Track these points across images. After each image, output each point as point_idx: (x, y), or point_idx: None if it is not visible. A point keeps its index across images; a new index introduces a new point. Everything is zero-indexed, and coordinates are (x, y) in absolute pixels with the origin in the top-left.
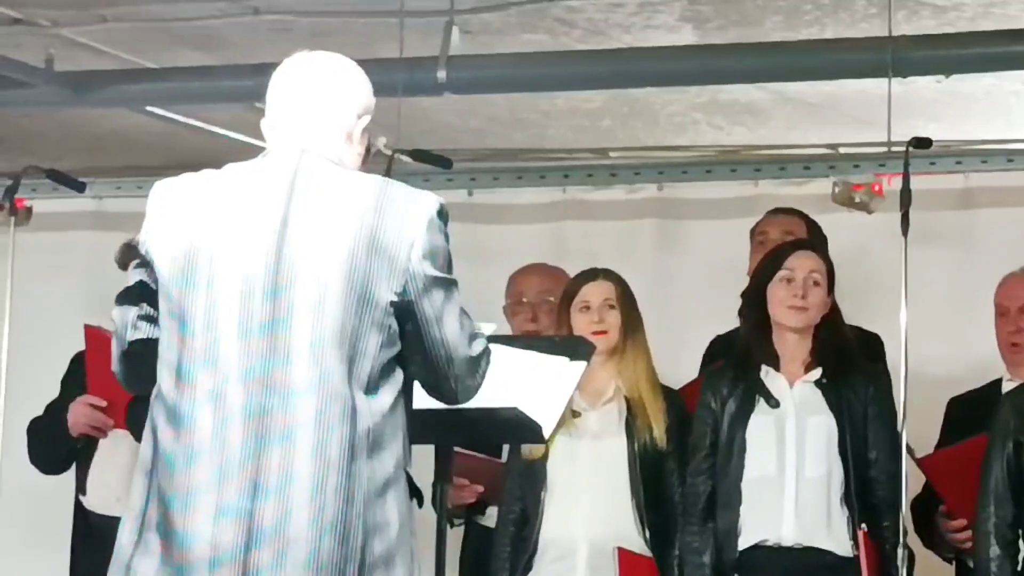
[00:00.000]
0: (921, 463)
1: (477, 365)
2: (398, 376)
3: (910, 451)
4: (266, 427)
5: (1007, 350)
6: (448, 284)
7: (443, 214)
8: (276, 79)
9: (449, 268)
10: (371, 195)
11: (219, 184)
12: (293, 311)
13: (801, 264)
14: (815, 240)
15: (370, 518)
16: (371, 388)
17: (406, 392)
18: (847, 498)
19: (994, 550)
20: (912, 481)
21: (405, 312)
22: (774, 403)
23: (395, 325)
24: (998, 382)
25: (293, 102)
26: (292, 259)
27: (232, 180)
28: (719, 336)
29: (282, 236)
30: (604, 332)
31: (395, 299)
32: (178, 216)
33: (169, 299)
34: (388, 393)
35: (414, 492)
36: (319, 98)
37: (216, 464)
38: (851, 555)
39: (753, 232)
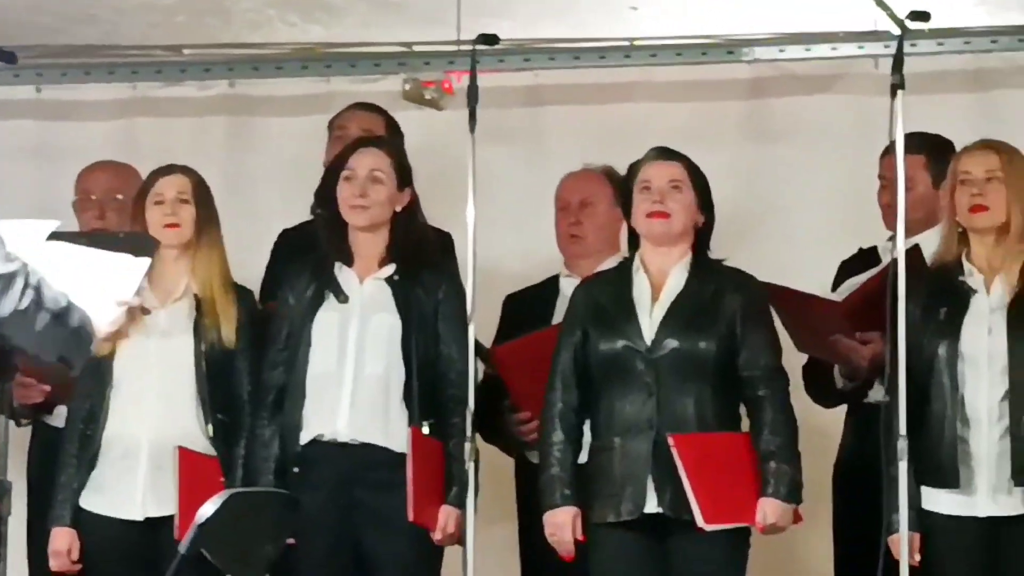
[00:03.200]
0: (491, 352)
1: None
2: None
3: (480, 346)
4: None
5: (566, 243)
6: None
7: None
8: None
9: None
10: None
11: None
12: None
13: (361, 163)
14: (385, 136)
15: None
16: None
17: None
18: (408, 398)
19: (557, 435)
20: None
21: None
22: (343, 299)
23: None
24: (555, 279)
25: None
26: None
27: None
28: (286, 230)
29: None
30: (176, 225)
31: None
32: None
33: None
34: None
35: None
36: None
37: None
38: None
39: (331, 125)
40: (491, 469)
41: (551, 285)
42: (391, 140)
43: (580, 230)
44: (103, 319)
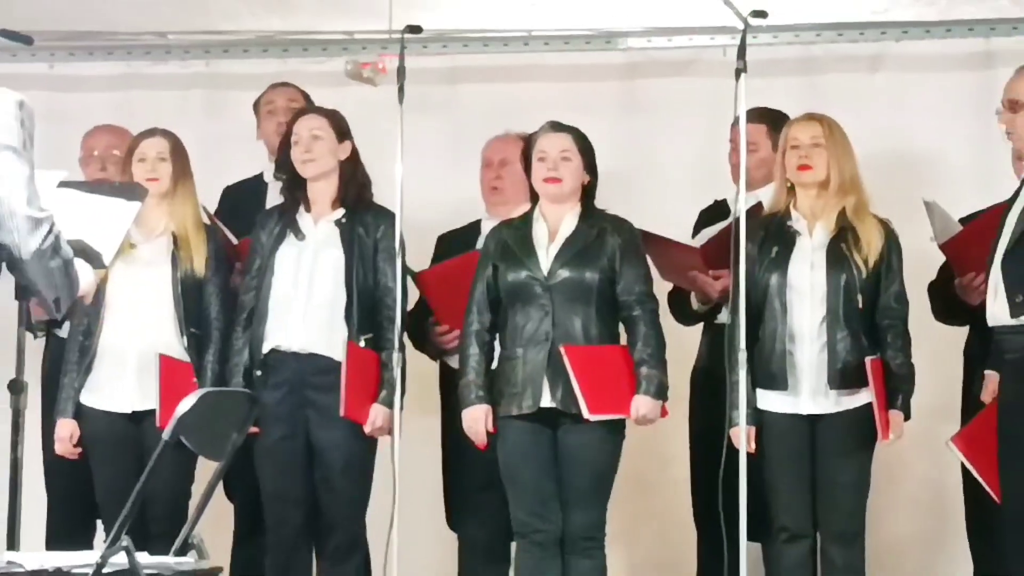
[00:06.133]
0: (418, 277)
1: (37, 225)
2: None
3: (410, 271)
4: None
5: (488, 193)
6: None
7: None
8: None
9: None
10: None
11: None
12: None
13: (303, 127)
14: (312, 104)
15: None
16: None
17: None
18: (348, 317)
19: (473, 348)
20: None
21: None
22: (300, 236)
23: None
24: (478, 222)
25: None
26: None
27: None
28: (228, 186)
29: None
30: (156, 179)
31: None
32: None
33: None
34: None
35: None
36: None
37: None
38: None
39: (258, 104)
40: (419, 372)
41: (474, 226)
42: (323, 107)
43: (500, 183)
44: (87, 280)
